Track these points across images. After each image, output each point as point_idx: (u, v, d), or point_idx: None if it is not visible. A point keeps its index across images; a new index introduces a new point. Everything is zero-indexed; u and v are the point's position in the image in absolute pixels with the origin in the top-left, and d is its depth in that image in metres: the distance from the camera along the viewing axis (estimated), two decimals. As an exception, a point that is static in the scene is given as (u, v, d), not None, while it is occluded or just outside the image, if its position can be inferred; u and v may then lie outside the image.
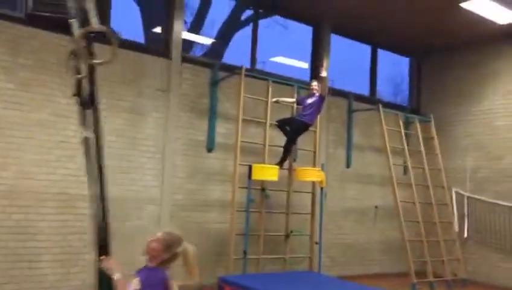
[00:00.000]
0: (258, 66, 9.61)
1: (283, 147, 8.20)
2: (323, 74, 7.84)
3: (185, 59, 8.32)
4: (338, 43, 11.10)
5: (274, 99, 8.44)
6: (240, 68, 8.12)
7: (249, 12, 10.05)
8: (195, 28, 10.21)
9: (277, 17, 10.55)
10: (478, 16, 9.04)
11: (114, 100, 7.52)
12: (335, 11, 9.72)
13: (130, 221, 7.54)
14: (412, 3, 9.12)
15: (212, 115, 8.50)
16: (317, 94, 7.96)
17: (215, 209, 8.44)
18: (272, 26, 10.91)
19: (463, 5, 8.61)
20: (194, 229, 8.24)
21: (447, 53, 11.49)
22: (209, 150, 8.49)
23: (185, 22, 9.72)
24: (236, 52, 10.40)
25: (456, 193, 10.81)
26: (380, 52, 11.72)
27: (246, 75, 8.19)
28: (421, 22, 10.03)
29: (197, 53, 10.20)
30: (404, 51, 12.03)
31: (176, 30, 8.17)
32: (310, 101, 7.99)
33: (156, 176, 7.89)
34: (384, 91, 12.36)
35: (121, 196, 7.45)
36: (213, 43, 10.39)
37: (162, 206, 7.88)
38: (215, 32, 10.57)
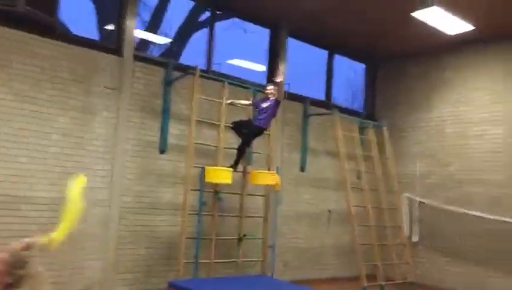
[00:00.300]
0: (215, 68, 9.50)
1: (237, 149, 8.11)
2: (279, 78, 7.82)
3: (137, 57, 8.09)
4: (296, 47, 11.17)
5: (228, 101, 8.34)
6: (194, 68, 7.97)
7: (208, 14, 9.93)
8: (153, 27, 9.98)
9: (237, 20, 10.49)
10: (429, 26, 9.27)
11: (62, 98, 7.21)
12: (292, 14, 9.75)
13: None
14: (366, 12, 9.28)
15: (166, 115, 8.30)
16: (272, 98, 7.92)
17: (166, 212, 8.23)
18: (231, 29, 10.86)
19: (414, 14, 8.80)
20: (144, 232, 8.02)
21: (400, 61, 11.77)
22: (162, 151, 8.28)
23: (143, 21, 9.53)
24: (195, 53, 10.26)
25: (408, 198, 11.03)
26: (339, 58, 11.85)
27: (201, 76, 8.05)
28: (375, 30, 10.22)
29: (154, 53, 9.95)
30: (360, 57, 12.22)
31: (128, 27, 7.95)
32: (265, 105, 7.94)
33: (105, 177, 7.61)
34: (341, 97, 12.48)
35: (64, 198, 7.12)
36: (171, 44, 10.18)
37: (110, 208, 7.61)
38: (173, 32, 10.39)
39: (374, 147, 10.75)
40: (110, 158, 7.67)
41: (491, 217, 9.62)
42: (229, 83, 8.47)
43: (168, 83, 8.34)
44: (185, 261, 7.48)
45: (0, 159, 6.65)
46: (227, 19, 10.34)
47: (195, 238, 7.69)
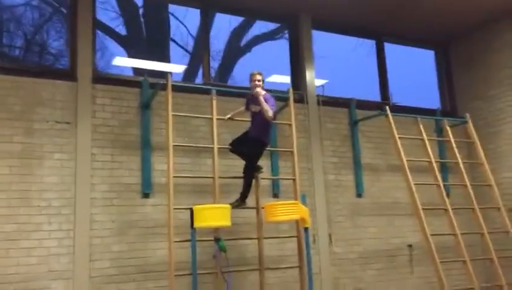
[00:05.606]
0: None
1: (242, 177, 5.94)
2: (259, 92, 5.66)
3: (98, 80, 6.32)
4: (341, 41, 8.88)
5: (227, 116, 6.28)
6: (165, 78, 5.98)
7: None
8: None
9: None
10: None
11: (-7, 143, 5.61)
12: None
13: (23, 307, 5.40)
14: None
15: (146, 147, 6.36)
16: (262, 93, 5.69)
17: (161, 275, 6.09)
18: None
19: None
20: (130, 306, 5.96)
21: (473, 36, 8.83)
22: (145, 194, 6.29)
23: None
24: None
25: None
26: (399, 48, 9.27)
27: (175, 89, 6.03)
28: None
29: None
30: (422, 41, 9.45)
31: (81, 45, 6.25)
32: (254, 108, 5.75)
33: (64, 238, 5.75)
34: (414, 96, 9.66)
35: (5, 273, 5.37)
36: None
37: (74, 280, 5.67)
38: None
39: (455, 150, 7.84)
40: (70, 213, 5.82)
41: None
42: (218, 93, 6.35)
43: (145, 106, 6.44)
44: None
45: None
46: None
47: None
